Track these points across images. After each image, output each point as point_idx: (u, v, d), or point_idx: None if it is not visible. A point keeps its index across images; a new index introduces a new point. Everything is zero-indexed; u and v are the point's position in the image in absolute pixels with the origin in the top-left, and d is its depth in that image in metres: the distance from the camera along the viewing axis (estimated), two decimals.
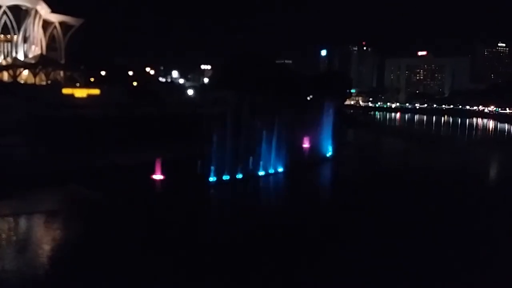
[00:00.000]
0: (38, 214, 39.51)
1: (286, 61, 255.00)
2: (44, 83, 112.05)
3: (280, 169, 60.10)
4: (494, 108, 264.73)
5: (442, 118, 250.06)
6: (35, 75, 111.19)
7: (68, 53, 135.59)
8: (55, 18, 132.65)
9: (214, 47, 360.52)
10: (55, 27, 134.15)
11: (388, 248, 33.58)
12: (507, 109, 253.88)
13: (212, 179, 52.11)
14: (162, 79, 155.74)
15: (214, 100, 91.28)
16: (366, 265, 30.24)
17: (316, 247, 33.84)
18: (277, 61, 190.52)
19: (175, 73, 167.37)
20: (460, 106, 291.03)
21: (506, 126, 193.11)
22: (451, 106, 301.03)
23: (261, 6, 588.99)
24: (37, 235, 36.16)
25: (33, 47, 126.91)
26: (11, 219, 38.13)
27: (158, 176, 51.78)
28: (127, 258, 30.38)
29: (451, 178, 64.13)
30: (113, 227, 36.89)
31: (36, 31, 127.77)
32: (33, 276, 27.92)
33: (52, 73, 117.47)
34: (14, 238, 34.71)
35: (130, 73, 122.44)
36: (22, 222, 38.39)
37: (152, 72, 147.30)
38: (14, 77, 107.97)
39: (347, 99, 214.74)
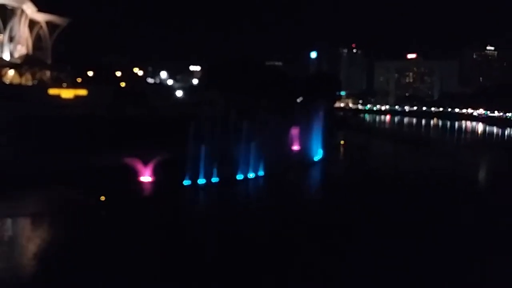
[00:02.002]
0: (21, 217, 38.60)
1: (276, 63, 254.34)
2: (30, 83, 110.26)
3: (269, 172, 58.85)
4: (483, 111, 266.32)
5: (432, 121, 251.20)
6: (21, 75, 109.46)
7: (54, 53, 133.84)
8: (41, 17, 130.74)
9: (203, 49, 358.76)
10: (41, 26, 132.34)
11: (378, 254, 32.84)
12: (496, 112, 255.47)
13: (201, 181, 51.46)
14: (150, 80, 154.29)
15: (202, 102, 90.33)
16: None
17: (306, 254, 32.98)
18: (266, 63, 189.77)
19: (163, 74, 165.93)
20: (449, 109, 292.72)
21: (495, 129, 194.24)
22: (441, 109, 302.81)
23: (251, 9, 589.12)
24: (18, 238, 35.17)
25: (19, 46, 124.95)
26: None
27: (146, 178, 51.41)
28: (109, 263, 29.35)
29: (442, 181, 63.63)
30: (97, 230, 35.92)
31: (22, 31, 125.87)
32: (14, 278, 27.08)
33: (38, 74, 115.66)
34: None
35: (118, 73, 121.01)
36: (5, 225, 37.47)
37: (140, 73, 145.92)
38: (0, 77, 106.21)
39: (337, 102, 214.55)
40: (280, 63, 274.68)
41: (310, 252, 32.88)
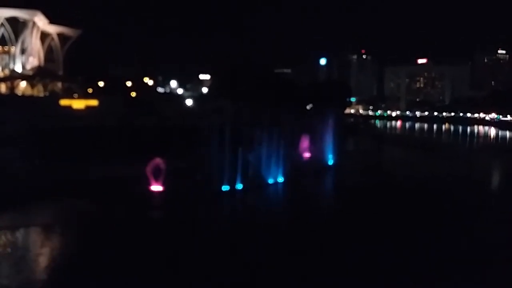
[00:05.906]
0: (34, 228, 38.77)
1: (285, 71, 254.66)
2: (42, 94, 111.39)
3: (281, 179, 58.99)
4: (495, 116, 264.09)
5: (443, 126, 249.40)
6: (33, 87, 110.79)
7: (66, 64, 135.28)
8: (52, 29, 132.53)
9: (212, 57, 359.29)
10: (52, 38, 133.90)
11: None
12: (508, 116, 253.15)
13: (212, 189, 51.34)
14: (160, 90, 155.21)
15: (212, 110, 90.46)
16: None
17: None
18: (276, 70, 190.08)
19: (173, 83, 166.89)
20: (461, 114, 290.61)
21: (508, 133, 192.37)
22: (452, 114, 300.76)
23: (260, 16, 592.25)
24: (31, 250, 35.04)
25: (30, 58, 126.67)
26: (6, 232, 37.17)
27: (157, 187, 51.16)
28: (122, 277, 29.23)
29: (458, 189, 62.20)
30: (109, 242, 35.78)
31: (34, 43, 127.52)
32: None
33: (50, 85, 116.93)
34: (8, 251, 33.75)
35: (129, 83, 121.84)
36: (18, 236, 37.48)
37: (150, 82, 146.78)
38: (12, 89, 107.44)
39: (347, 108, 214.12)
40: (289, 70, 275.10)
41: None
